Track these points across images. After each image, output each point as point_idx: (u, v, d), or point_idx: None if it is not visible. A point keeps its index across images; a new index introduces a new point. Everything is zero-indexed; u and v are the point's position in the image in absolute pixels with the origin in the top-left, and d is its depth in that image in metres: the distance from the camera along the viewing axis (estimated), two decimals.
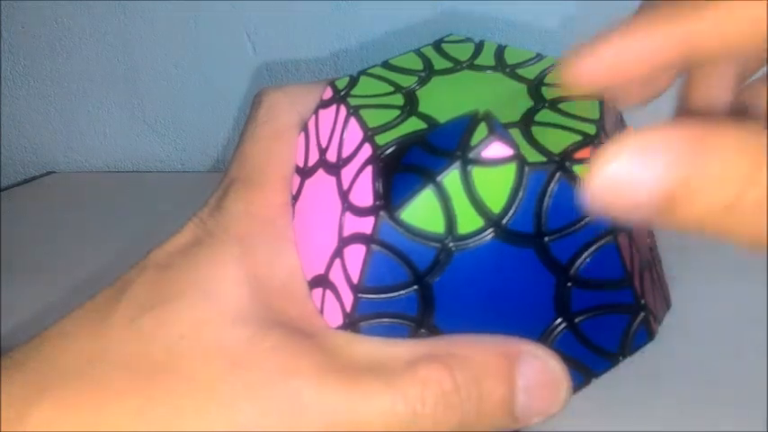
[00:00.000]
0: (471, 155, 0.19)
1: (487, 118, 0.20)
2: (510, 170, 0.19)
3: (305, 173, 0.23)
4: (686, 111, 0.23)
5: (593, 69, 0.17)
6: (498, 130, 0.19)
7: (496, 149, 0.19)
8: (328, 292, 0.21)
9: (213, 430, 0.18)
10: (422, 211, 0.19)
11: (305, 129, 0.24)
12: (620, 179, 0.15)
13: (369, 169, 0.20)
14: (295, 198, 0.23)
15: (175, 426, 0.18)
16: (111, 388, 0.18)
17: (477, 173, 0.19)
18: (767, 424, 0.36)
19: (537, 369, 0.19)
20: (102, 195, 0.74)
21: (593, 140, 0.20)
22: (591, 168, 0.15)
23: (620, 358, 0.22)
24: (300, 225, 0.22)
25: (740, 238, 0.15)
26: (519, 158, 0.19)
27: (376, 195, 0.19)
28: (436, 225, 0.19)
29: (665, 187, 0.14)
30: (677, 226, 0.15)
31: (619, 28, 0.17)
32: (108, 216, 0.68)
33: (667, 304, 0.24)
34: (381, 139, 0.20)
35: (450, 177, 0.19)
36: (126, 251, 0.58)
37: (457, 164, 0.19)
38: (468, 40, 0.25)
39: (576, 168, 0.20)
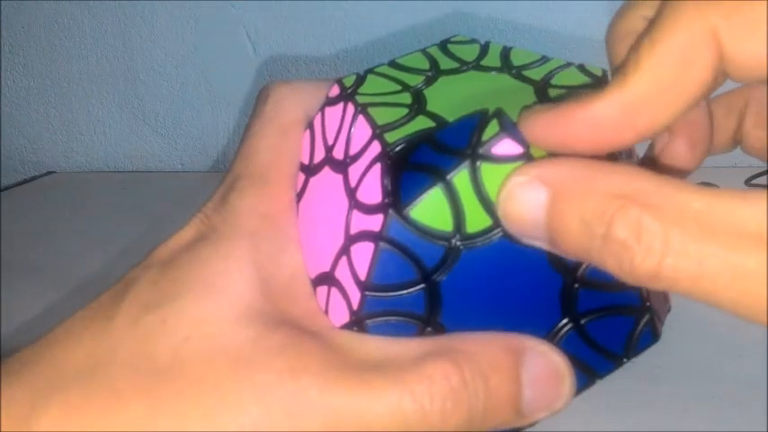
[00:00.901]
0: (481, 151, 0.19)
1: (499, 115, 0.20)
2: (519, 165, 0.19)
3: (310, 170, 0.23)
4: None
5: (545, 136, 0.18)
6: (509, 127, 0.19)
7: (507, 146, 0.19)
8: (334, 290, 0.21)
9: (222, 431, 0.18)
10: (431, 209, 0.19)
11: (310, 126, 0.23)
12: (515, 200, 0.17)
13: (377, 167, 0.20)
14: (299, 196, 0.23)
15: (184, 427, 0.18)
16: (118, 391, 0.18)
17: (486, 172, 0.19)
18: (767, 424, 0.36)
19: (541, 364, 0.19)
20: (102, 195, 0.74)
21: None
22: (501, 190, 0.18)
23: (625, 360, 0.22)
24: (305, 223, 0.22)
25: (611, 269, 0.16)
26: (529, 157, 0.19)
27: (385, 193, 0.19)
28: (445, 223, 0.19)
29: (546, 215, 0.17)
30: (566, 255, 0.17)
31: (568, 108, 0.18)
32: (108, 216, 0.68)
33: (668, 306, 0.24)
34: (390, 137, 0.20)
35: (460, 176, 0.19)
36: (126, 251, 0.59)
37: (466, 162, 0.19)
38: (473, 41, 0.25)
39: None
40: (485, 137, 0.19)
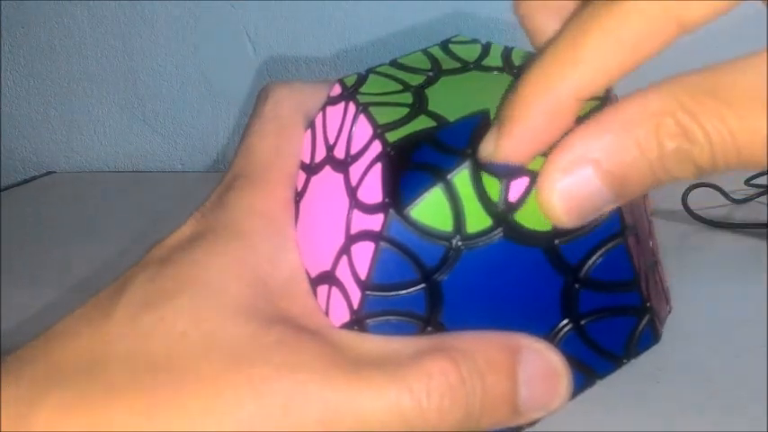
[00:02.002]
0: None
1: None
2: None
3: (311, 169, 0.23)
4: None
5: (516, 150, 0.19)
6: None
7: None
8: (334, 289, 0.21)
9: (220, 429, 0.18)
10: (431, 209, 0.19)
11: (311, 125, 0.23)
12: (569, 194, 0.17)
13: (378, 166, 0.20)
14: (300, 195, 0.23)
15: (181, 426, 0.18)
16: (116, 388, 0.18)
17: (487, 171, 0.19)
18: (767, 424, 0.36)
19: (537, 362, 0.19)
20: (102, 195, 0.74)
21: None
22: (539, 194, 0.17)
23: (625, 361, 0.22)
24: (305, 222, 0.22)
25: (682, 173, 0.17)
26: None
27: (385, 192, 0.19)
28: (445, 223, 0.19)
29: (605, 178, 0.17)
30: (636, 194, 0.17)
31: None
32: (108, 216, 0.68)
33: (669, 307, 0.24)
34: (392, 136, 0.20)
35: (461, 176, 0.19)
36: (126, 251, 0.59)
37: (467, 163, 0.19)
38: (475, 41, 0.25)
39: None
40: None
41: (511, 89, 0.18)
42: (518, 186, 0.19)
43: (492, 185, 0.19)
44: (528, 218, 0.20)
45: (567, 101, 0.17)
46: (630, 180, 0.17)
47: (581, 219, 0.17)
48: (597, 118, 0.17)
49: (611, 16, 0.17)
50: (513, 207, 0.20)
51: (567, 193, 0.17)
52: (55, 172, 0.82)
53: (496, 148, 0.18)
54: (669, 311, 0.24)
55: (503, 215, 0.19)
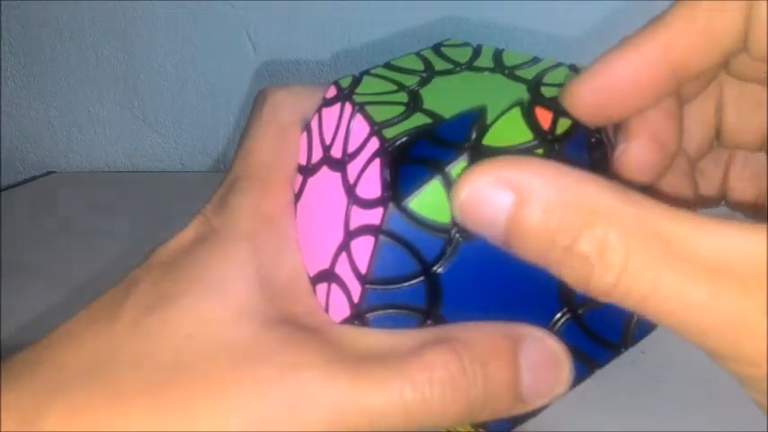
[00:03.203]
0: (479, 147, 0.19)
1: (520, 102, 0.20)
2: None
3: (307, 171, 0.23)
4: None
5: (590, 98, 0.20)
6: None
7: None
8: (334, 286, 0.21)
9: (226, 430, 0.18)
10: (430, 201, 0.19)
11: (307, 128, 0.24)
12: (477, 199, 0.17)
13: (377, 162, 0.20)
14: (297, 197, 0.23)
15: (188, 426, 0.18)
16: (122, 390, 0.18)
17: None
18: (767, 424, 0.36)
19: (538, 350, 0.20)
20: (102, 195, 0.74)
21: (593, 135, 0.21)
22: (458, 182, 0.17)
23: (623, 349, 0.22)
24: (303, 222, 0.22)
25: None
26: (527, 150, 0.20)
27: (384, 186, 0.20)
28: (443, 215, 0.19)
29: (507, 218, 0.17)
30: (519, 254, 0.17)
31: (609, 51, 0.19)
32: (108, 216, 0.68)
33: None
34: (389, 133, 0.20)
35: (459, 168, 0.19)
36: (126, 251, 0.59)
37: (465, 155, 0.19)
38: (466, 44, 0.26)
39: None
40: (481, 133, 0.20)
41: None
42: None
43: None
44: None
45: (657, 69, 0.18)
46: (524, 242, 0.17)
47: (470, 225, 0.18)
48: (548, 165, 0.17)
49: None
50: None
51: (472, 200, 0.17)
52: (55, 172, 0.82)
53: (576, 87, 0.19)
54: None
55: None
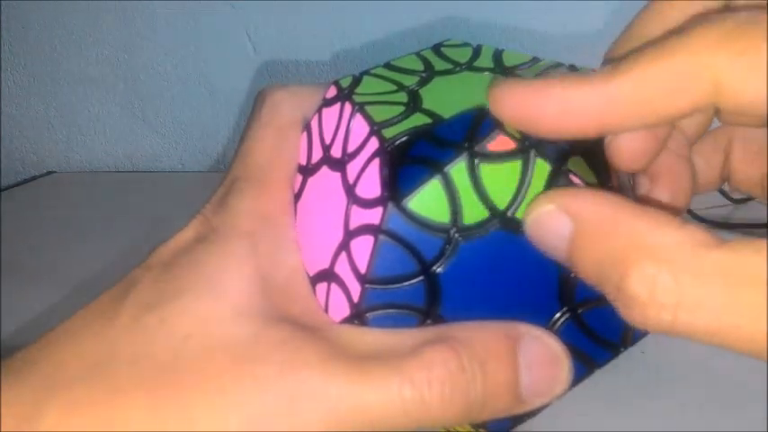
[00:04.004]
0: (478, 147, 0.19)
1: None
2: (516, 161, 0.20)
3: (307, 171, 0.23)
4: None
5: (517, 108, 0.19)
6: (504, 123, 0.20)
7: (502, 143, 0.19)
8: (334, 286, 0.21)
9: (225, 429, 0.18)
10: (429, 200, 0.19)
11: (307, 128, 0.24)
12: (541, 225, 0.18)
13: (376, 162, 0.20)
14: (297, 197, 0.23)
15: (187, 425, 0.18)
16: (121, 389, 0.18)
17: (483, 164, 0.19)
18: (767, 424, 0.36)
19: (537, 349, 0.20)
20: (102, 195, 0.74)
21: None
22: (528, 207, 0.19)
23: (622, 349, 0.22)
24: (303, 222, 0.22)
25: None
26: (525, 150, 0.19)
27: (384, 186, 0.20)
28: (442, 215, 0.19)
29: (568, 247, 0.17)
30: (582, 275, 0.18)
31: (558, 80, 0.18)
32: (108, 216, 0.68)
33: None
34: (388, 133, 0.20)
35: (457, 168, 0.19)
36: (126, 251, 0.59)
37: (464, 155, 0.19)
38: (466, 44, 0.26)
39: (573, 163, 0.20)
40: (480, 133, 0.20)
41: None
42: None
43: (488, 177, 0.20)
44: (523, 209, 0.20)
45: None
46: (583, 270, 0.18)
47: (539, 247, 0.19)
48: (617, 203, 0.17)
49: None
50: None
51: (538, 225, 0.18)
52: (55, 172, 0.82)
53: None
54: None
55: (499, 206, 0.20)
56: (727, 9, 0.20)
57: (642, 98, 0.17)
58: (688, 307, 0.15)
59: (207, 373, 0.18)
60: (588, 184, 0.20)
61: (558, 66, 0.24)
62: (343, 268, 0.21)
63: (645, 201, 0.22)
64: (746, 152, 0.24)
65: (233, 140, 0.80)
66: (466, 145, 0.20)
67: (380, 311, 0.20)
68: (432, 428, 0.19)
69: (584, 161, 0.21)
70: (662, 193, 0.22)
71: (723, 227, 0.57)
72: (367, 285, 0.20)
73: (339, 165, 0.22)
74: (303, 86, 0.25)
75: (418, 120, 0.21)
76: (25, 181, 0.80)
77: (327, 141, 0.23)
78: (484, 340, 0.19)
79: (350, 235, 0.21)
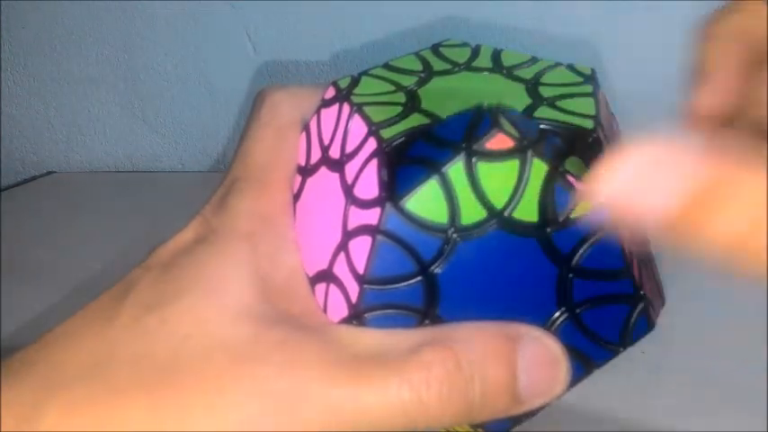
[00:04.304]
0: (476, 146, 0.19)
1: (492, 111, 0.20)
2: (514, 161, 0.20)
3: (306, 171, 0.23)
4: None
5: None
6: (503, 122, 0.20)
7: (501, 141, 0.19)
8: (332, 286, 0.21)
9: (225, 429, 0.18)
10: (426, 200, 0.19)
11: (306, 128, 0.24)
12: (630, 189, 0.14)
13: (374, 162, 0.20)
14: (296, 197, 0.23)
15: (186, 425, 0.18)
16: (120, 389, 0.18)
17: (481, 164, 0.19)
18: (767, 424, 0.36)
19: (535, 349, 0.20)
20: (102, 195, 0.74)
21: (590, 134, 0.21)
22: (597, 174, 0.15)
23: (621, 349, 0.22)
24: (302, 223, 0.23)
25: (749, 267, 0.15)
26: (523, 150, 0.20)
27: (382, 186, 0.20)
28: (440, 215, 0.20)
29: (678, 203, 0.14)
30: (682, 243, 0.15)
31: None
32: (108, 216, 0.68)
33: (662, 300, 0.24)
34: (386, 133, 0.21)
35: (455, 168, 0.19)
36: (126, 251, 0.59)
37: (461, 155, 0.19)
38: (465, 44, 0.26)
39: (570, 163, 0.20)
40: (478, 133, 0.20)
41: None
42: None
43: (486, 177, 0.20)
44: (521, 209, 0.20)
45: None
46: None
47: (619, 216, 0.15)
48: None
49: None
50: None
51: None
52: (55, 172, 0.82)
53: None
54: (663, 304, 0.24)
55: (496, 206, 0.20)
56: None
57: None
58: None
59: (206, 374, 0.18)
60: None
61: (557, 65, 0.24)
62: (341, 269, 0.21)
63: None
64: None
65: (233, 140, 0.80)
66: (464, 144, 0.20)
67: (379, 312, 0.20)
68: (431, 429, 0.19)
69: (581, 161, 0.21)
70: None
71: None
72: (365, 286, 0.20)
73: (337, 165, 0.22)
74: (302, 87, 0.25)
75: (416, 120, 0.21)
76: (25, 181, 0.80)
77: (326, 142, 0.23)
78: (482, 340, 0.19)
79: (348, 235, 0.21)
